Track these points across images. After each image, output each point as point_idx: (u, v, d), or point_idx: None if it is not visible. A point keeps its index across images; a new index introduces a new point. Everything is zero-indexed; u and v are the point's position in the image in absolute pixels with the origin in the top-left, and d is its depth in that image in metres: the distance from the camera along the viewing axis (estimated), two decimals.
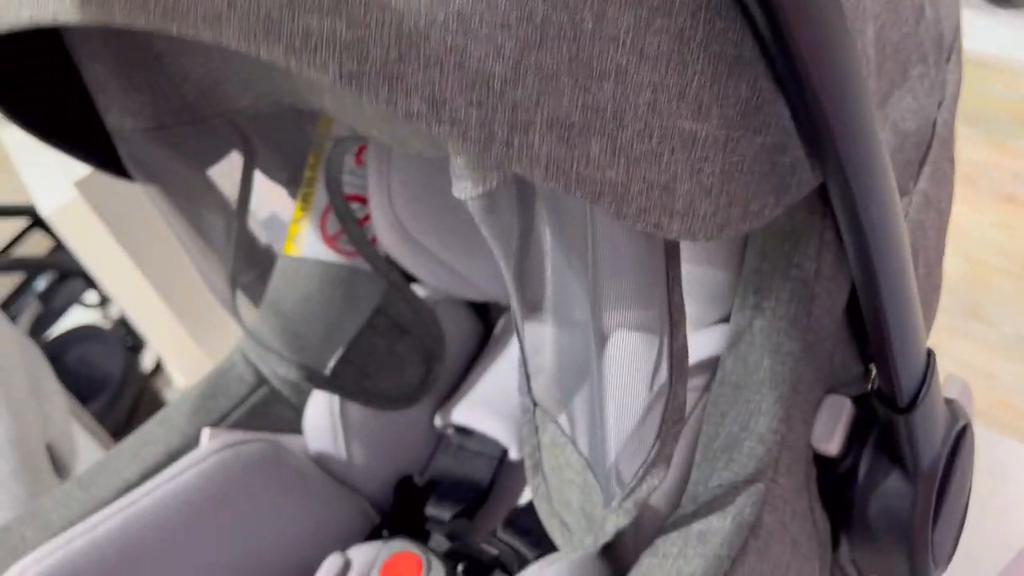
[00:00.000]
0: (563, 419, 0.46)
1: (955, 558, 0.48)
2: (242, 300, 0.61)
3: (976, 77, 1.39)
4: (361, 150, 0.64)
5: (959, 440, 0.45)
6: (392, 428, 0.61)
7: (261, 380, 0.62)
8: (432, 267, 0.62)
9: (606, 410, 0.41)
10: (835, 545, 0.46)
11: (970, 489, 0.48)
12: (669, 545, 0.40)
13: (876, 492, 0.43)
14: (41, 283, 2.02)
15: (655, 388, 0.40)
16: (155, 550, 0.50)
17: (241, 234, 0.59)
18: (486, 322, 0.69)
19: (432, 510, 0.59)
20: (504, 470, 0.60)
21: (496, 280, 0.61)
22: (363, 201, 0.63)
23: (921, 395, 0.40)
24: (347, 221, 0.60)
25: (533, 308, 0.43)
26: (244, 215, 0.60)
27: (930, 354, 0.41)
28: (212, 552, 0.52)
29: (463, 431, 0.62)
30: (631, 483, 0.40)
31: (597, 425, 0.43)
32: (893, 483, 0.43)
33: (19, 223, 1.98)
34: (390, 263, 0.62)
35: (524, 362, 0.46)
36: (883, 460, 0.43)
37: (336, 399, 0.59)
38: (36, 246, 2.02)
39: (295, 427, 0.62)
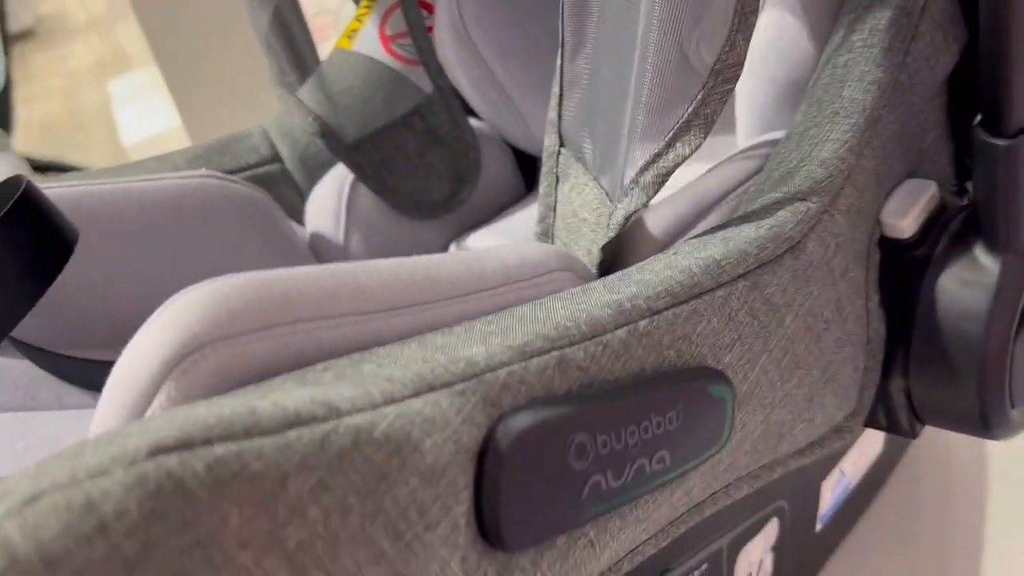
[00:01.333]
0: (588, 150, 0.39)
1: None
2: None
3: None
4: None
5: None
6: (400, 235, 0.54)
7: (275, 157, 0.56)
8: (487, 87, 0.56)
9: (640, 99, 0.34)
10: (886, 369, 0.37)
11: None
12: (682, 245, 0.32)
13: (949, 280, 0.34)
14: None
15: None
16: (100, 233, 0.44)
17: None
18: (528, 183, 0.62)
19: None
20: None
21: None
22: (430, 9, 0.59)
23: None
24: (411, 13, 0.56)
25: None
26: None
27: None
28: (161, 264, 0.46)
29: None
30: (657, 149, 0.32)
31: (625, 132, 0.36)
32: (972, 269, 0.34)
33: None
34: (443, 76, 0.57)
35: (560, 73, 0.39)
36: (965, 244, 0.35)
37: (347, 184, 0.53)
38: None
39: (299, 219, 0.56)
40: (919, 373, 0.36)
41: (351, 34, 0.60)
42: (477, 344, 0.24)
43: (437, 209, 0.55)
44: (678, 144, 0.32)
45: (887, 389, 0.37)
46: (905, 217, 0.35)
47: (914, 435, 0.38)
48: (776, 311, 0.31)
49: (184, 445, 0.18)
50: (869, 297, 0.35)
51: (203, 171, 0.49)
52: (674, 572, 0.35)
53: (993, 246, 0.34)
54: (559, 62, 0.39)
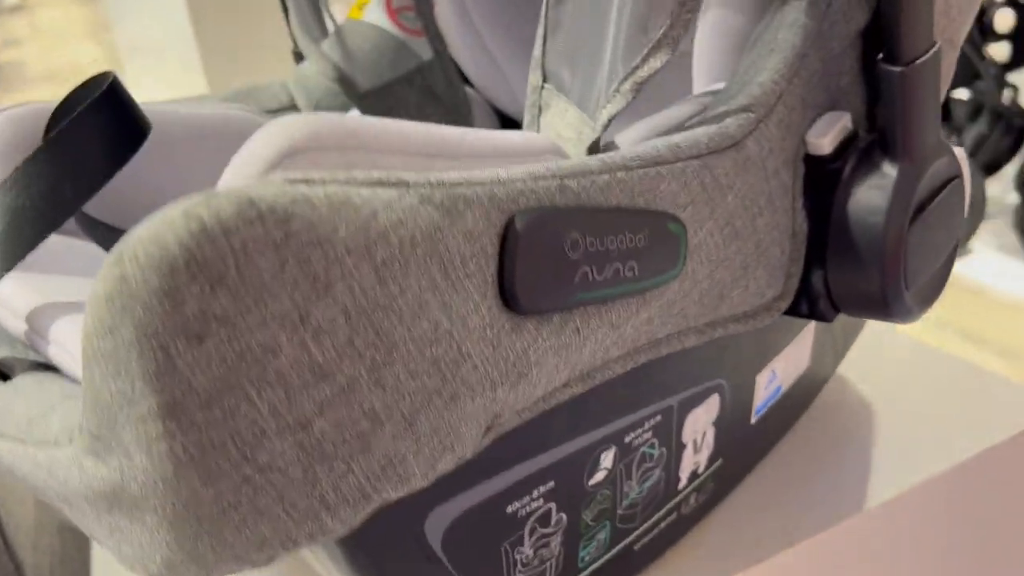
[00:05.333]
0: (568, 81, 0.47)
1: None
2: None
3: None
4: None
5: (949, 182, 0.46)
6: None
7: (293, 105, 0.64)
8: (479, 53, 0.65)
9: (621, 28, 0.43)
10: (808, 262, 0.45)
11: (956, 245, 0.48)
12: (640, 148, 0.41)
13: (857, 185, 0.43)
14: None
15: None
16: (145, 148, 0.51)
17: None
18: None
19: None
20: None
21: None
22: None
23: (923, 58, 0.41)
24: None
25: None
26: None
27: (935, 45, 0.43)
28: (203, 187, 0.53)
29: None
30: (635, 63, 0.41)
31: (607, 59, 0.44)
32: (876, 175, 0.43)
33: None
34: (441, 42, 0.66)
35: (545, 18, 0.48)
36: (871, 159, 0.44)
37: None
38: None
39: None
40: (834, 263, 0.45)
41: (361, 7, 0.68)
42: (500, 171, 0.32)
43: None
44: (651, 59, 0.41)
45: (809, 280, 0.46)
46: (824, 137, 0.44)
47: (830, 319, 0.46)
48: (720, 188, 0.39)
49: (307, 182, 0.26)
50: (795, 198, 0.44)
51: (240, 106, 0.57)
52: (635, 414, 0.43)
53: (892, 156, 0.43)
54: (544, 9, 0.48)
